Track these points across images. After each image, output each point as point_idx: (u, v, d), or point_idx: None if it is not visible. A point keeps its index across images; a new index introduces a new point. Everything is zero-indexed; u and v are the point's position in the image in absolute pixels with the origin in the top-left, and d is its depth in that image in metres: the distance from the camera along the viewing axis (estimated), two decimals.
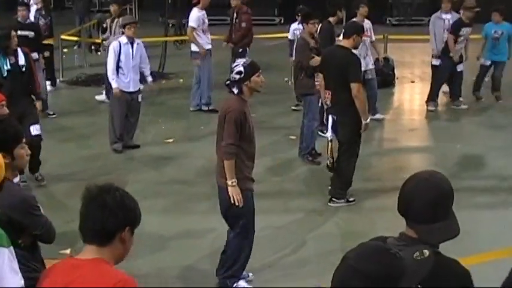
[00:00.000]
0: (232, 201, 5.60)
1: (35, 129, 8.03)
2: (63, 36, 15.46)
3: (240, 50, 12.12)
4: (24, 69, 8.07)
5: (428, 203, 2.78)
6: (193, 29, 11.70)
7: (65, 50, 15.88)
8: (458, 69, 11.94)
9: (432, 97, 12.20)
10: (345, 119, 7.71)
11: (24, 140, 4.12)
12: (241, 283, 6.00)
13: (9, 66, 7.91)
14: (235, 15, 12.40)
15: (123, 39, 9.53)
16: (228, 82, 5.68)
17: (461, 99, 12.15)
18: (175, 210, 7.78)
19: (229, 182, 5.57)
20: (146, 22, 23.26)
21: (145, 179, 8.73)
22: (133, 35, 9.50)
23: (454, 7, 12.27)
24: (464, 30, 11.71)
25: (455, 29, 11.73)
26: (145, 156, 9.74)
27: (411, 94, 13.60)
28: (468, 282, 2.80)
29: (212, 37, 12.18)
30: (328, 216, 7.61)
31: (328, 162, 7.99)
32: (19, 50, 8.12)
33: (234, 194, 5.58)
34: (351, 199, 7.88)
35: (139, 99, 9.85)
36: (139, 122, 10.16)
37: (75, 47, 17.44)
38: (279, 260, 6.57)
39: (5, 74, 7.85)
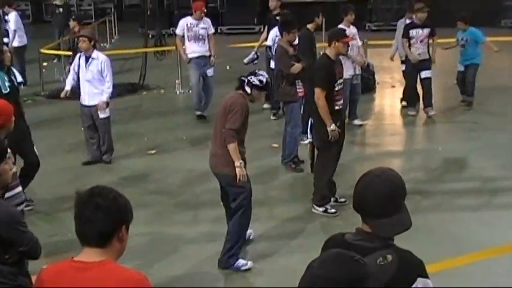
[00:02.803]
0: (238, 180, 6.20)
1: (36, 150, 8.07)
2: (42, 50, 15.42)
3: None
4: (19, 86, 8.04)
5: (380, 198, 2.86)
6: (179, 36, 12.05)
7: (45, 63, 15.83)
8: (423, 76, 12.01)
9: (411, 102, 12.29)
10: (315, 124, 7.82)
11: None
12: (241, 261, 6.48)
13: (9, 82, 7.78)
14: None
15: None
16: (243, 78, 6.39)
17: (430, 109, 12.17)
18: (159, 221, 7.75)
19: (237, 163, 6.17)
20: (126, 33, 23.34)
21: (128, 191, 8.56)
22: (85, 48, 9.41)
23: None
24: (414, 32, 11.85)
25: (404, 31, 12.00)
26: (128, 167, 9.71)
27: (392, 99, 13.68)
28: (424, 271, 2.87)
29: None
30: (312, 223, 7.62)
31: (310, 165, 8.10)
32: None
33: (242, 174, 6.21)
34: (332, 210, 7.85)
35: (101, 115, 9.64)
36: (123, 132, 10.13)
37: (55, 61, 17.39)
38: (263, 267, 6.57)
39: (8, 90, 7.67)
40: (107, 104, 9.64)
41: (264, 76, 6.46)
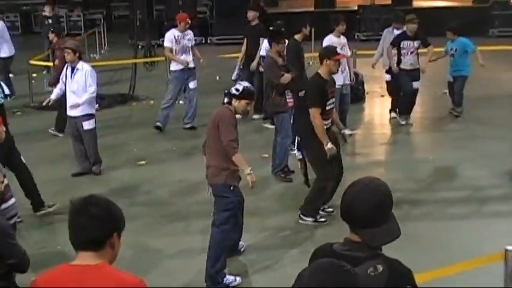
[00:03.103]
0: (251, 186, 6.44)
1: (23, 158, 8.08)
2: (31, 61, 15.38)
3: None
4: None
5: (369, 208, 2.87)
6: (168, 48, 12.10)
7: (34, 74, 15.79)
8: (415, 86, 12.09)
9: (404, 111, 12.30)
10: (304, 141, 7.84)
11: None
12: (230, 277, 6.43)
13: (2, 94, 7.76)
14: None
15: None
16: (226, 91, 6.49)
17: (407, 120, 12.23)
18: (148, 232, 7.73)
19: (246, 172, 6.36)
20: (115, 44, 23.30)
21: (118, 202, 8.58)
22: (70, 59, 9.45)
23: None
24: (406, 43, 11.91)
25: (394, 41, 12.04)
26: (117, 178, 9.69)
27: (381, 108, 13.71)
28: (412, 280, 2.89)
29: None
30: (303, 233, 7.63)
31: (303, 181, 8.10)
32: None
33: (252, 180, 6.40)
34: (322, 219, 7.86)
35: (85, 127, 9.60)
36: (112, 143, 10.10)
37: (44, 72, 17.34)
38: (256, 278, 6.56)
39: (1, 101, 7.60)
40: (92, 116, 9.62)
41: (241, 85, 6.49)
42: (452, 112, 12.67)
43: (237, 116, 6.50)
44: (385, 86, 13.06)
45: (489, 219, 7.95)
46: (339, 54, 7.86)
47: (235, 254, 6.87)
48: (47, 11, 19.58)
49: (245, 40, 12.86)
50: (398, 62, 12.00)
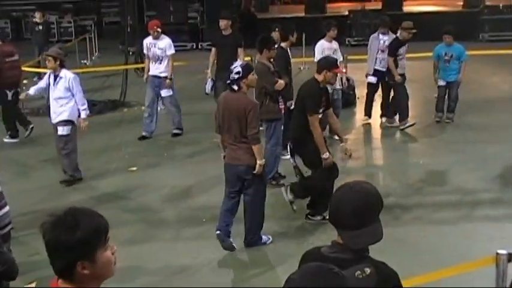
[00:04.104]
0: (257, 171, 6.94)
1: None
2: (22, 68, 15.32)
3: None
4: None
5: (352, 210, 2.90)
6: (145, 55, 12.24)
7: (25, 81, 15.74)
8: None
9: (403, 115, 12.28)
10: (298, 147, 7.87)
11: None
12: (264, 237, 7.37)
13: None
14: None
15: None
16: (228, 81, 6.94)
17: (407, 123, 12.25)
18: (140, 238, 7.71)
19: (260, 162, 6.92)
20: (106, 50, 23.29)
21: (109, 208, 8.64)
22: (51, 67, 9.41)
23: (392, 29, 12.65)
24: (401, 49, 11.99)
25: (393, 49, 12.01)
26: (109, 184, 9.66)
27: (373, 113, 13.72)
28: (399, 281, 2.92)
29: None
30: (295, 238, 7.63)
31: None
32: None
33: (261, 170, 6.97)
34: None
35: (59, 132, 9.48)
36: (103, 150, 10.08)
37: (35, 79, 17.29)
38: (248, 282, 6.56)
39: None
40: (69, 122, 9.46)
41: (237, 66, 6.90)
42: (439, 120, 12.63)
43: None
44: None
45: (480, 223, 7.97)
46: (338, 67, 7.91)
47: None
48: (37, 17, 19.56)
49: (213, 50, 12.06)
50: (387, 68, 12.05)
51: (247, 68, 6.97)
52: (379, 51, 12.38)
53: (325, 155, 7.59)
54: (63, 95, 9.38)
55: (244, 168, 6.99)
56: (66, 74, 9.47)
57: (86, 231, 2.70)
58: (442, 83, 12.49)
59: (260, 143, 6.97)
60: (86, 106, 9.56)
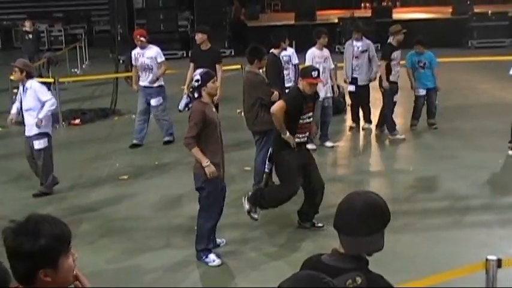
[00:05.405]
0: (208, 177, 6.77)
1: None
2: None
3: None
4: None
5: (355, 216, 2.93)
6: (134, 66, 12.22)
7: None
8: (395, 99, 12.17)
9: (392, 127, 12.28)
10: (274, 155, 7.96)
11: None
12: (211, 256, 7.01)
13: None
14: None
15: None
16: (191, 89, 7.01)
17: (397, 133, 12.28)
18: (131, 247, 7.69)
19: (203, 164, 6.75)
20: (96, 59, 23.30)
21: (101, 217, 8.66)
22: (17, 78, 9.36)
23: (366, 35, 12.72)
24: (395, 54, 11.95)
25: (385, 53, 12.00)
26: (100, 193, 9.65)
27: (363, 120, 13.77)
28: None
29: None
30: (286, 245, 7.64)
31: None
32: None
33: (209, 171, 6.77)
34: (319, 224, 7.97)
35: (35, 146, 9.34)
36: (94, 158, 10.07)
37: None
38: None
39: None
40: (45, 135, 9.37)
41: (197, 75, 6.95)
42: (431, 127, 12.70)
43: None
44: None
45: (470, 229, 8.01)
46: (312, 77, 7.66)
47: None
48: (27, 26, 19.59)
49: (191, 65, 11.50)
50: (388, 75, 11.94)
51: (206, 76, 6.92)
52: (354, 58, 12.41)
53: (287, 135, 7.62)
54: (33, 106, 9.21)
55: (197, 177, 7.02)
56: (32, 85, 9.27)
57: (49, 238, 2.71)
58: (422, 92, 12.47)
59: (193, 148, 6.85)
60: (48, 112, 9.27)
